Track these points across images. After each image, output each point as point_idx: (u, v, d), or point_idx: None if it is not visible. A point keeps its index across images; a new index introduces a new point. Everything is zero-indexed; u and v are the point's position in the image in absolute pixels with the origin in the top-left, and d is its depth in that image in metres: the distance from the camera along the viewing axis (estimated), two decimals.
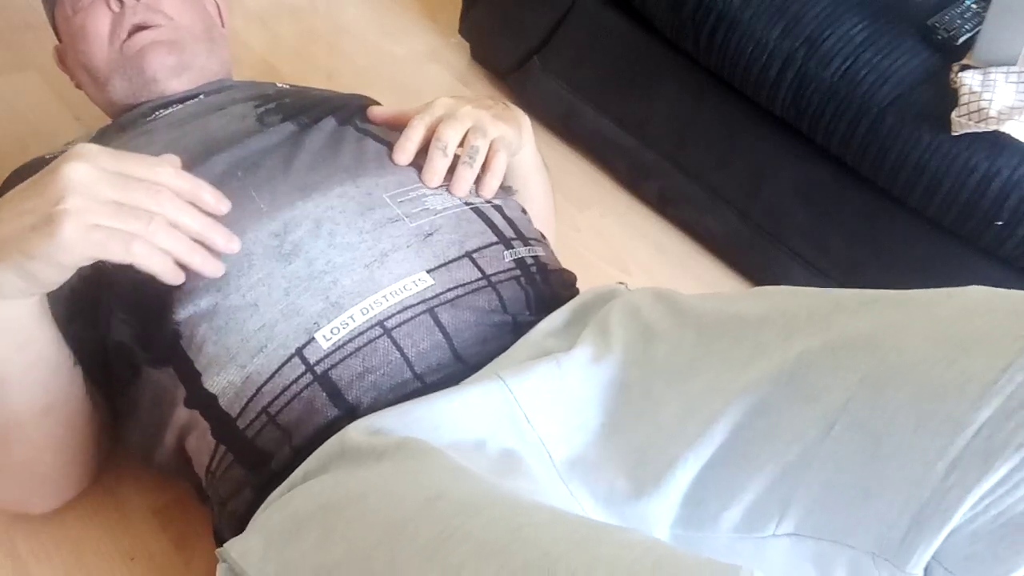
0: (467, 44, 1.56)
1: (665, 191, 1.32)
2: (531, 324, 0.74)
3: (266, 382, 0.69)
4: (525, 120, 0.90)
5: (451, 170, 0.80)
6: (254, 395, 0.69)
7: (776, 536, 0.61)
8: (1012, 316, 0.55)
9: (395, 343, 0.69)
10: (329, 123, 0.85)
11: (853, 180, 1.10)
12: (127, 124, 0.90)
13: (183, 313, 0.71)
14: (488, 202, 0.82)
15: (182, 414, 0.72)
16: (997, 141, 0.95)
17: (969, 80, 0.98)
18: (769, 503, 0.61)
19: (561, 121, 1.43)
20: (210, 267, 0.68)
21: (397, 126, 0.83)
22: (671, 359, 0.67)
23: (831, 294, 0.65)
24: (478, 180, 0.81)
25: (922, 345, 0.56)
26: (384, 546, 0.53)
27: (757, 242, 1.21)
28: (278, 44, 1.54)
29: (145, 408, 0.76)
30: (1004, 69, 0.97)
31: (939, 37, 1.04)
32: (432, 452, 0.61)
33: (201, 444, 0.72)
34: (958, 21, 1.05)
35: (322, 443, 0.66)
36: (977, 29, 1.02)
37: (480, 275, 0.75)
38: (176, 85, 0.92)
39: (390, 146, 0.81)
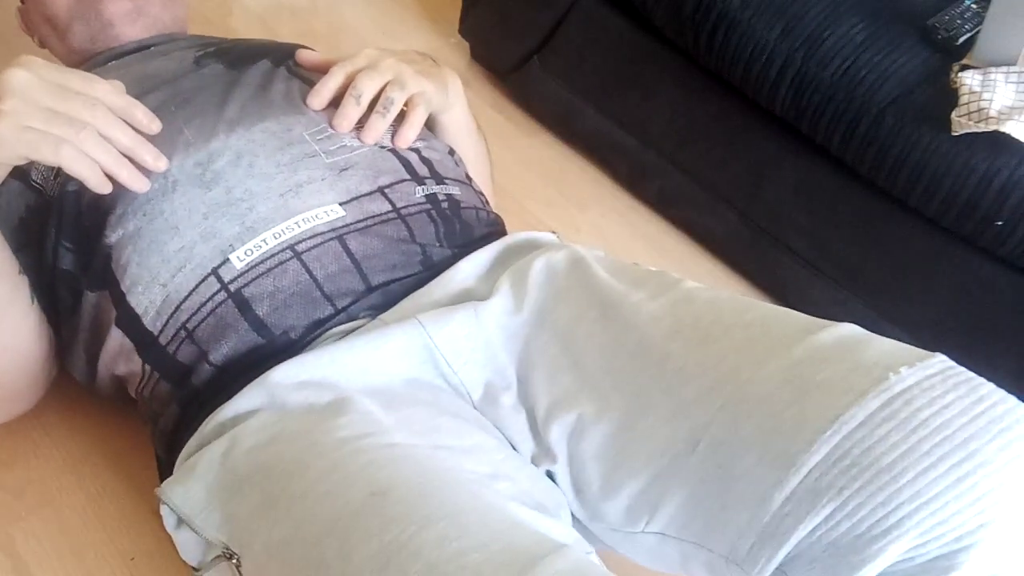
0: (467, 44, 1.56)
1: (665, 191, 1.32)
2: (441, 255, 0.79)
3: (184, 299, 0.74)
4: (454, 80, 0.92)
5: (363, 118, 0.82)
6: (173, 312, 0.74)
7: (645, 533, 0.67)
8: (855, 369, 0.61)
9: (304, 265, 0.74)
10: (263, 65, 0.88)
11: (853, 180, 1.10)
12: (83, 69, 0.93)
13: (113, 236, 0.76)
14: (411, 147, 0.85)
15: (115, 335, 0.77)
16: (997, 141, 0.95)
17: (969, 80, 0.98)
18: (642, 503, 0.67)
19: (561, 121, 1.43)
20: (137, 182, 0.73)
21: (324, 72, 0.85)
22: (573, 331, 0.73)
23: (717, 304, 0.71)
24: (395, 131, 0.84)
25: (773, 382, 0.63)
26: (334, 538, 0.57)
27: (757, 242, 1.21)
28: None
29: (85, 333, 0.81)
30: (1004, 69, 0.97)
31: (939, 37, 1.04)
32: (367, 417, 0.65)
33: (131, 365, 0.77)
34: (958, 21, 1.05)
35: (238, 360, 0.73)
36: (977, 29, 1.02)
37: (391, 207, 0.79)
38: (131, 32, 0.95)
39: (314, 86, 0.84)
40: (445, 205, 0.82)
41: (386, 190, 0.79)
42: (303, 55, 0.90)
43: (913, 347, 0.64)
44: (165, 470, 0.77)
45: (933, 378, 0.60)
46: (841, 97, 1.05)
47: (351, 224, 0.76)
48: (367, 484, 0.59)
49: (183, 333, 0.74)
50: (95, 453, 0.93)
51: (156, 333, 0.75)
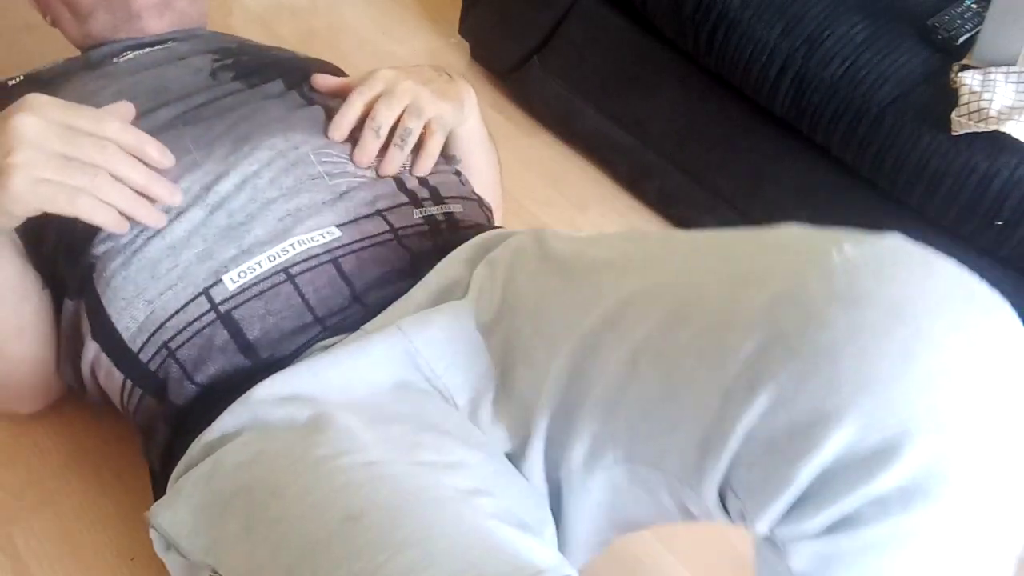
0: (467, 44, 1.56)
1: (665, 191, 1.32)
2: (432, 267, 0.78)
3: (170, 318, 0.73)
4: (469, 94, 0.92)
5: (383, 148, 0.82)
6: (156, 330, 0.73)
7: (616, 464, 0.64)
8: (797, 253, 0.55)
9: (297, 288, 0.73)
10: (277, 86, 0.88)
11: (853, 180, 1.10)
12: (95, 61, 0.92)
13: (101, 248, 0.75)
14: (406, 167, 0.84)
15: (91, 347, 0.76)
16: (997, 141, 0.95)
17: (969, 80, 0.98)
18: (603, 438, 0.64)
19: (561, 121, 1.43)
20: (153, 218, 0.72)
21: (339, 96, 0.85)
22: (538, 304, 0.71)
23: (673, 238, 0.67)
24: (412, 160, 0.84)
25: (713, 283, 0.58)
26: (307, 565, 0.57)
27: None
28: (278, 44, 1.54)
29: (65, 340, 0.80)
30: (1004, 69, 0.97)
31: (939, 37, 1.04)
32: (346, 435, 0.64)
33: (111, 379, 0.76)
34: (958, 21, 1.05)
35: (224, 380, 0.72)
36: (977, 29, 1.02)
37: (387, 228, 0.78)
38: (156, 25, 0.94)
39: (329, 112, 0.83)
40: (444, 226, 0.81)
41: (384, 212, 0.79)
42: (319, 80, 0.88)
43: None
44: (159, 483, 0.77)
45: (882, 254, 0.53)
46: (841, 97, 1.05)
47: (347, 245, 0.76)
48: (341, 508, 0.58)
49: (165, 351, 0.73)
50: (95, 453, 0.92)
51: (136, 349, 0.74)
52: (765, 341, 0.53)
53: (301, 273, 0.74)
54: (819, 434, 0.51)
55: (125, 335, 0.74)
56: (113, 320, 0.74)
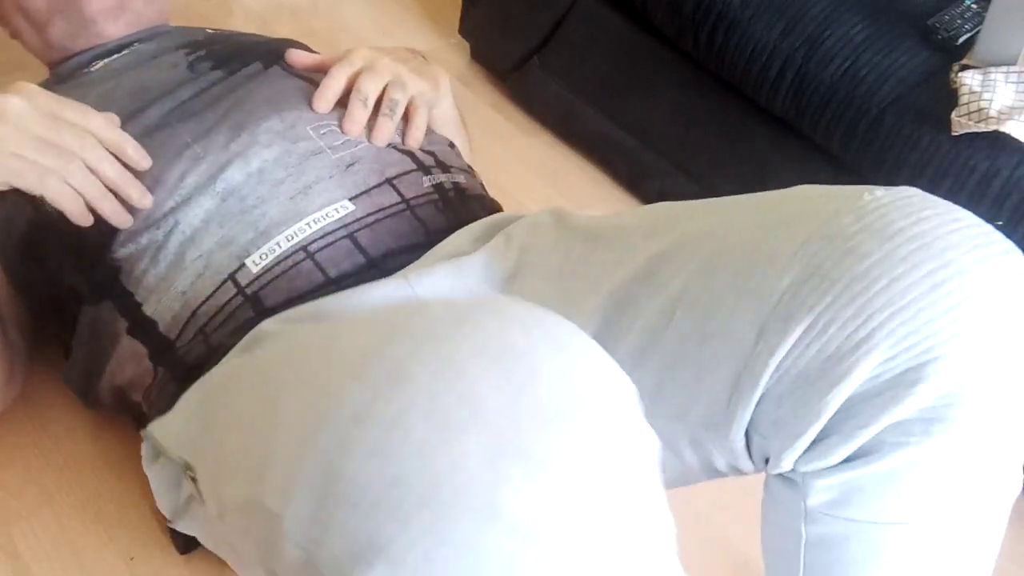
0: (467, 44, 1.56)
1: (665, 191, 1.32)
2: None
3: (201, 304, 0.74)
4: (443, 75, 0.93)
5: (370, 120, 0.83)
6: (190, 317, 0.75)
7: None
8: (829, 199, 0.59)
9: (318, 265, 0.74)
10: (256, 67, 0.88)
11: (853, 180, 1.09)
12: (65, 75, 0.93)
13: (122, 251, 0.76)
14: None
15: (126, 343, 0.77)
16: (997, 141, 0.95)
17: (969, 80, 0.98)
18: None
19: (561, 121, 1.43)
20: (119, 217, 0.74)
21: (316, 72, 0.86)
22: (561, 267, 0.72)
23: (694, 202, 0.69)
24: (402, 135, 0.85)
25: (747, 230, 0.61)
26: (268, 402, 0.56)
27: None
28: None
29: (84, 346, 0.81)
30: (1004, 69, 0.97)
31: (939, 37, 1.04)
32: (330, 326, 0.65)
33: (139, 371, 0.77)
34: (958, 21, 1.05)
35: None
36: (977, 29, 1.02)
37: (399, 199, 0.79)
38: (113, 29, 0.94)
39: (312, 83, 0.84)
40: (452, 194, 0.82)
41: (394, 181, 0.79)
42: (293, 56, 0.89)
43: None
44: None
45: (911, 198, 0.58)
46: (841, 97, 1.05)
47: (361, 219, 0.76)
48: (305, 356, 0.58)
49: (200, 336, 0.74)
50: (95, 453, 0.93)
51: (173, 338, 0.75)
52: (801, 275, 0.55)
53: (320, 250, 0.75)
54: (850, 361, 0.54)
55: (162, 327, 0.75)
56: (149, 314, 0.76)
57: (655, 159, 1.30)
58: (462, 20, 1.54)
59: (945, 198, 0.99)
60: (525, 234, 0.76)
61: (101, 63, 0.91)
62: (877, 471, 0.56)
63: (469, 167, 0.92)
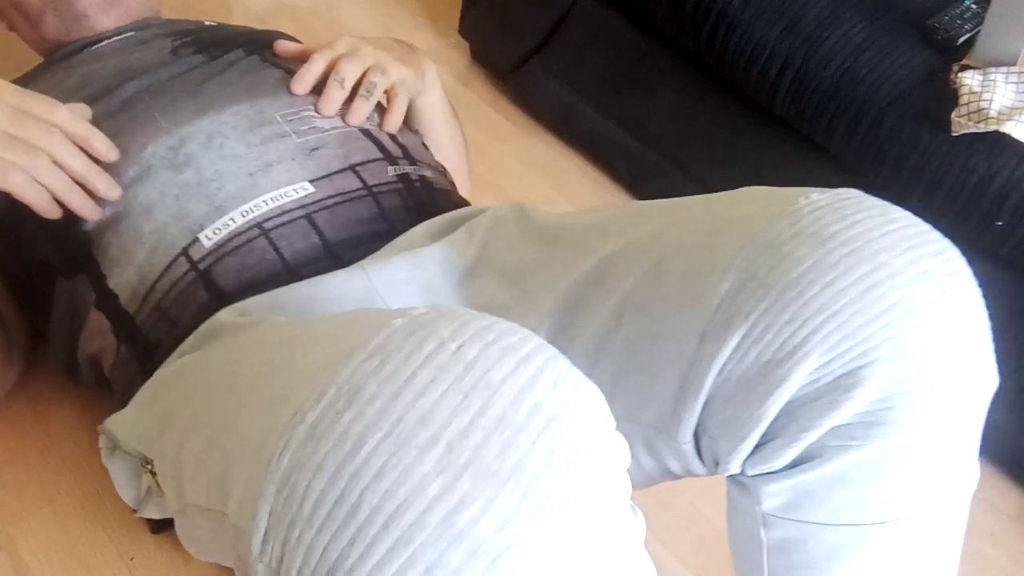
0: (467, 44, 1.56)
1: (665, 191, 1.31)
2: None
3: (157, 279, 0.75)
4: (430, 65, 0.94)
5: (348, 104, 0.84)
6: (148, 292, 0.75)
7: None
8: (768, 204, 0.59)
9: (272, 243, 0.74)
10: (238, 54, 0.89)
11: (853, 180, 1.10)
12: (55, 61, 0.94)
13: (91, 224, 0.77)
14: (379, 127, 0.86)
15: (94, 317, 0.78)
16: (997, 141, 0.95)
17: (969, 80, 0.98)
18: None
19: (561, 121, 1.43)
20: (86, 209, 0.74)
21: (301, 61, 0.86)
22: (518, 265, 0.72)
23: (649, 203, 0.70)
24: (381, 119, 0.86)
25: (692, 234, 0.61)
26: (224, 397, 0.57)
27: None
28: None
29: (62, 320, 0.81)
30: (1004, 69, 0.97)
31: (939, 37, 1.04)
32: (281, 322, 0.65)
33: (105, 344, 0.78)
34: (958, 21, 1.05)
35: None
36: (977, 29, 1.02)
37: (361, 185, 0.79)
38: (105, 21, 0.95)
39: (291, 73, 0.85)
40: (418, 186, 0.82)
41: (358, 168, 0.80)
42: (281, 45, 0.90)
43: None
44: None
45: (847, 200, 0.58)
46: (841, 97, 1.05)
47: (320, 200, 0.76)
48: (260, 353, 0.59)
49: (157, 313, 0.75)
50: (95, 453, 0.92)
51: (132, 313, 0.76)
52: (739, 281, 0.56)
53: (275, 228, 0.75)
54: (787, 367, 0.54)
55: (123, 300, 0.76)
56: (112, 288, 0.76)
57: (655, 159, 1.30)
58: (462, 20, 1.54)
59: (945, 198, 1.01)
60: (487, 228, 0.76)
61: (93, 48, 0.92)
62: (824, 475, 0.56)
63: (442, 167, 0.92)
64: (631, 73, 1.30)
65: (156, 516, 0.76)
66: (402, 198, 0.80)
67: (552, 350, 0.47)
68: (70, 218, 0.76)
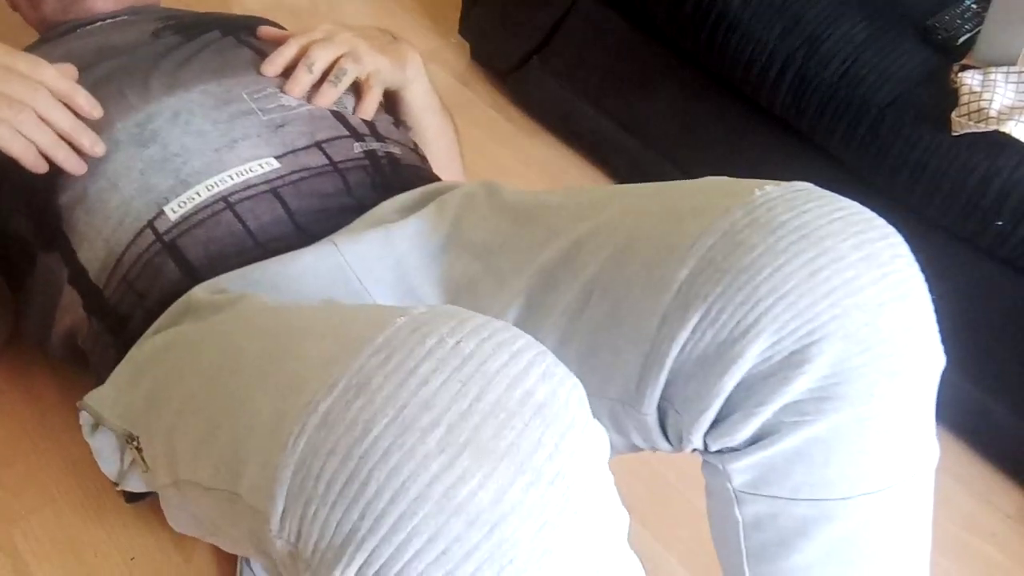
0: (467, 44, 1.56)
1: None
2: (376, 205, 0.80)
3: (123, 253, 0.76)
4: (414, 56, 0.95)
5: (316, 86, 0.84)
6: (115, 265, 0.77)
7: None
8: (726, 194, 0.64)
9: (238, 216, 0.76)
10: (214, 35, 0.91)
11: (853, 180, 1.10)
12: (47, 40, 0.95)
13: (64, 198, 0.79)
14: (347, 108, 0.87)
15: (67, 292, 0.80)
16: (997, 141, 0.95)
17: (969, 80, 0.98)
18: None
19: (561, 121, 1.43)
20: (72, 163, 0.76)
21: (280, 45, 0.88)
22: (490, 242, 0.74)
23: (619, 187, 0.74)
24: (355, 105, 0.86)
25: (655, 221, 0.65)
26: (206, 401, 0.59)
27: None
28: None
29: (38, 294, 0.84)
30: (1004, 69, 0.97)
31: (939, 37, 1.04)
32: (267, 305, 0.67)
33: (77, 319, 0.80)
34: (958, 21, 1.05)
35: (170, 304, 0.74)
36: (977, 29, 1.02)
37: (327, 161, 0.80)
38: (102, 5, 0.97)
39: (262, 54, 0.86)
40: (384, 162, 0.83)
41: (323, 144, 0.81)
42: (264, 31, 0.91)
43: None
44: None
45: (799, 192, 0.62)
46: (841, 97, 1.05)
47: (285, 176, 0.77)
48: (240, 332, 0.62)
49: (124, 285, 0.76)
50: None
51: (101, 286, 0.77)
52: (697, 267, 0.60)
53: (240, 202, 0.76)
54: (741, 345, 0.58)
55: (92, 274, 0.78)
56: (82, 262, 0.78)
57: (655, 159, 1.30)
58: (462, 20, 1.54)
59: (945, 198, 1.01)
60: (459, 205, 0.77)
61: (85, 28, 0.94)
62: (783, 450, 0.60)
63: (413, 143, 0.92)
64: (631, 73, 1.30)
65: (139, 490, 0.77)
66: (368, 174, 0.81)
67: (541, 347, 0.50)
68: (44, 191, 0.78)
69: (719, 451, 0.63)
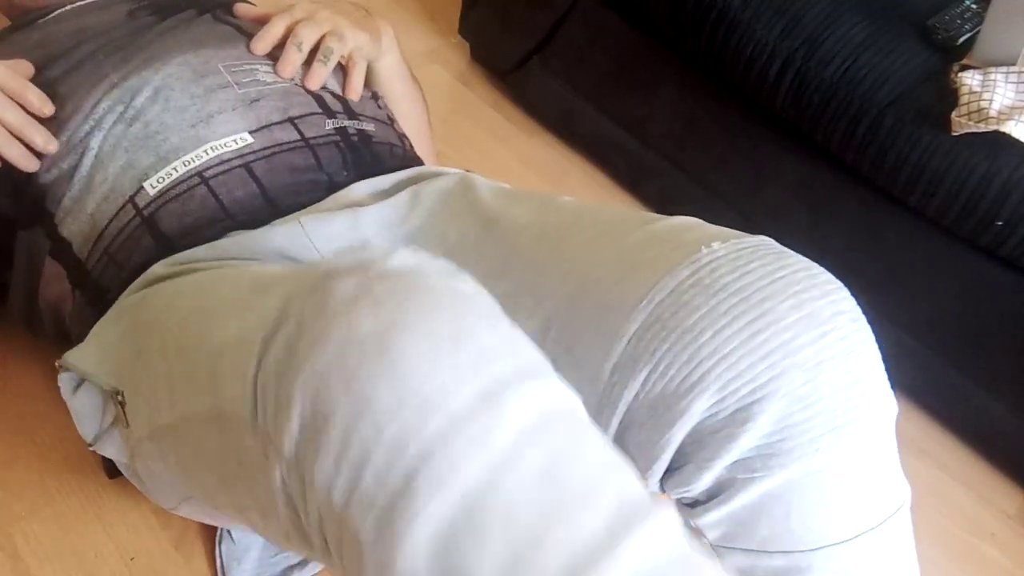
0: (467, 44, 1.56)
1: (665, 191, 1.32)
2: (347, 183, 0.82)
3: (106, 226, 0.78)
4: (387, 29, 0.97)
5: (306, 67, 0.86)
6: (98, 238, 0.79)
7: None
8: (676, 248, 0.65)
9: (211, 191, 0.78)
10: (190, 13, 0.92)
11: (853, 180, 1.10)
12: (19, 27, 0.96)
13: (48, 176, 0.80)
14: (324, 86, 0.89)
15: (49, 265, 0.82)
16: (997, 141, 0.95)
17: (969, 80, 0.98)
18: None
19: (561, 121, 1.43)
20: (25, 161, 0.78)
21: (260, 24, 0.89)
22: (459, 248, 0.76)
23: (581, 210, 0.75)
24: (343, 86, 0.89)
25: (608, 265, 0.67)
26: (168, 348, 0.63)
27: None
28: None
29: (22, 272, 0.85)
30: (1004, 69, 0.97)
31: (939, 37, 1.04)
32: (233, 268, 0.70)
33: (62, 291, 0.82)
34: (958, 21, 1.05)
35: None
36: (977, 29, 1.02)
37: (299, 137, 0.82)
38: None
39: (240, 30, 0.88)
40: (356, 138, 0.85)
41: (296, 120, 0.82)
42: (241, 9, 0.93)
43: (739, 231, 0.67)
44: None
45: (743, 250, 0.63)
46: (841, 97, 1.05)
47: (258, 151, 0.79)
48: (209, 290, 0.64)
49: (105, 258, 0.78)
50: (96, 453, 0.93)
51: (83, 259, 0.79)
52: (646, 323, 0.63)
53: (214, 176, 0.78)
54: (687, 400, 0.61)
55: (75, 247, 0.80)
56: (65, 236, 0.80)
57: (655, 159, 1.30)
58: (462, 20, 1.54)
59: (945, 198, 1.01)
60: (433, 200, 0.79)
61: (60, 11, 0.95)
62: (744, 504, 0.62)
63: (389, 119, 0.94)
64: (631, 73, 1.30)
65: (111, 455, 0.78)
66: (339, 150, 0.83)
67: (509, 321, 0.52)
68: (24, 175, 0.80)
69: (690, 505, 0.65)
